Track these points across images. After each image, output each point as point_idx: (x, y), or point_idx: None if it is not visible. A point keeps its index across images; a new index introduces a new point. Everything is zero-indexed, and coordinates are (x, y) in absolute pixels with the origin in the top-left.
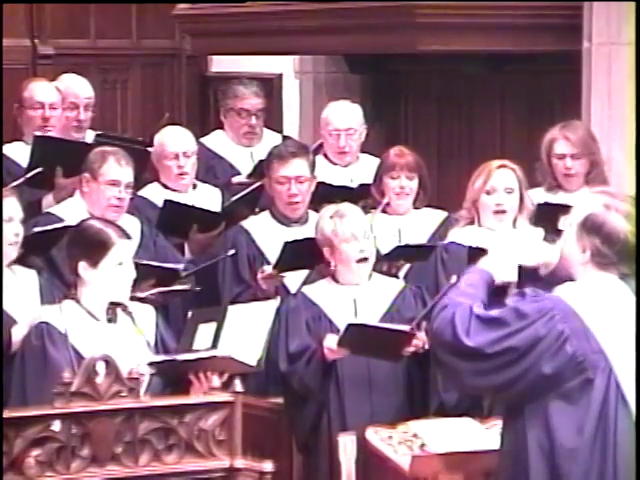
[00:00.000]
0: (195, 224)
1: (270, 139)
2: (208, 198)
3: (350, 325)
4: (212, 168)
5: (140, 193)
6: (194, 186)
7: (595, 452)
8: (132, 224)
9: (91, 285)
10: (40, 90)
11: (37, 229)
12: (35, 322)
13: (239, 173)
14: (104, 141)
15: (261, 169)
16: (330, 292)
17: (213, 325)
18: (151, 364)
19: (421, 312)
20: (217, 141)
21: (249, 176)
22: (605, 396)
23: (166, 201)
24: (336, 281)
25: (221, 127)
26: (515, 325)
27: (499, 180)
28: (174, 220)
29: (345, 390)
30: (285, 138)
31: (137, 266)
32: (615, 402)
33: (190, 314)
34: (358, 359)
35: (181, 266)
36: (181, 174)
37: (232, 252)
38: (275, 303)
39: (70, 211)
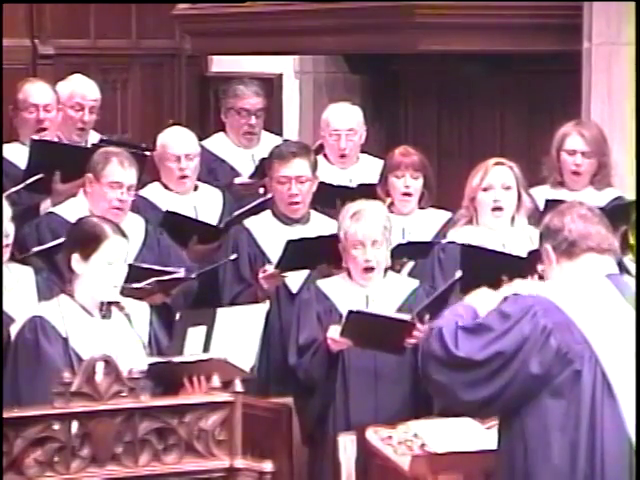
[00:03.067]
0: (195, 235)
1: (270, 141)
2: (209, 200)
3: (351, 312)
4: (213, 171)
5: (141, 193)
6: (195, 187)
7: (588, 443)
8: (136, 223)
9: (83, 279)
10: (34, 92)
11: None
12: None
13: (240, 176)
14: (106, 146)
15: (263, 169)
16: (343, 287)
17: (202, 329)
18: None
19: (421, 305)
20: (218, 144)
21: (251, 176)
22: (593, 386)
23: (167, 212)
24: (350, 277)
25: (222, 128)
26: (500, 327)
27: (496, 177)
28: (174, 231)
29: (351, 383)
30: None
31: (137, 269)
32: (601, 391)
33: (178, 316)
34: (365, 352)
35: (182, 270)
36: (182, 177)
37: (234, 257)
38: (265, 306)
39: (73, 211)
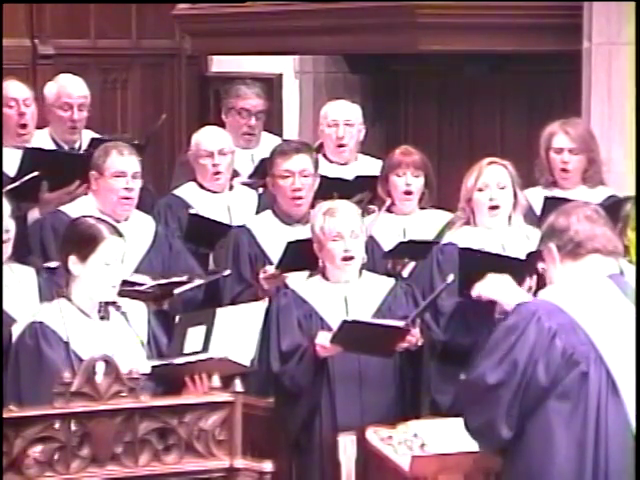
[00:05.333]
0: (221, 238)
1: (269, 142)
2: (244, 200)
3: (345, 322)
4: None
5: (176, 192)
6: (230, 187)
7: (594, 442)
8: (146, 223)
9: (80, 281)
10: (12, 87)
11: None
12: (29, 321)
13: (239, 175)
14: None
15: (263, 168)
16: (321, 290)
17: (202, 328)
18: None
19: (412, 309)
20: None
21: (251, 176)
22: (599, 386)
23: (191, 215)
24: (327, 279)
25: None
26: (508, 341)
27: (490, 176)
28: (200, 233)
29: (336, 387)
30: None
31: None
32: (606, 390)
33: (178, 319)
34: (349, 356)
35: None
36: (216, 173)
37: (228, 272)
38: (264, 304)
39: (81, 210)
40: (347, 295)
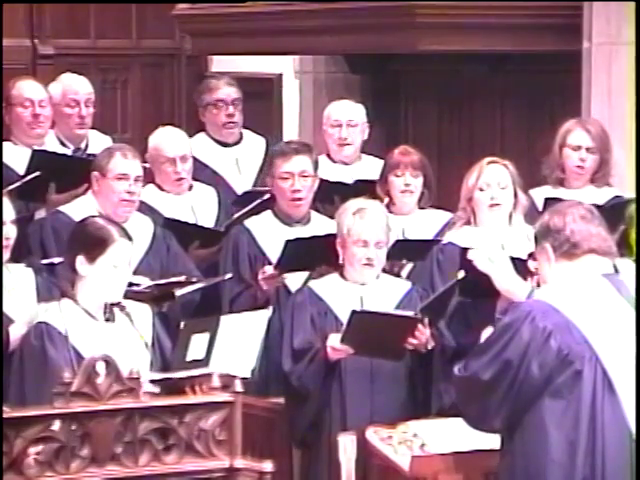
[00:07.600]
0: (196, 240)
1: (253, 141)
2: (205, 199)
3: (354, 312)
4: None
5: None
6: (190, 187)
7: (588, 441)
8: (145, 225)
9: (87, 282)
10: (29, 87)
11: None
12: (34, 322)
13: (222, 179)
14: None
15: (247, 200)
16: (337, 288)
17: (206, 336)
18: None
19: (424, 303)
20: (199, 146)
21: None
22: (594, 385)
23: (166, 219)
24: (344, 278)
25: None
26: (502, 339)
27: (491, 175)
28: (175, 235)
29: (347, 386)
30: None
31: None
32: (602, 389)
33: (182, 325)
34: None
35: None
36: (179, 179)
37: (229, 276)
38: (268, 313)
39: (81, 210)
40: (363, 295)
